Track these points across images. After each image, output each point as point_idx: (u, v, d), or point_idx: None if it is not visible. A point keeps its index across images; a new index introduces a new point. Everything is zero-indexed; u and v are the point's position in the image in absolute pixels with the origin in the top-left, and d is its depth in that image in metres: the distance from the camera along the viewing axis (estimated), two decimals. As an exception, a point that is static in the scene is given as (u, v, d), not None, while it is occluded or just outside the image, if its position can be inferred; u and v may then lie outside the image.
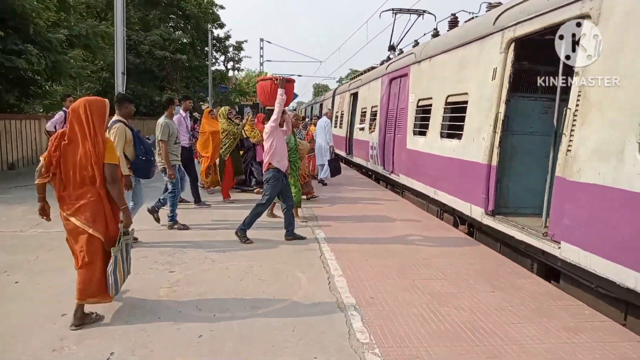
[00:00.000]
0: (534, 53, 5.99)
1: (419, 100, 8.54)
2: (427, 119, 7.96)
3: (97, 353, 2.96)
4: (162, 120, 6.21)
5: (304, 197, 8.27)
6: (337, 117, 18.10)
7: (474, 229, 6.56)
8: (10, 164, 12.18)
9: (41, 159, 3.37)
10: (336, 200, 8.86)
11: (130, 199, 5.11)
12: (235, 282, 4.26)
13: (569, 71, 5.16)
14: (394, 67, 10.66)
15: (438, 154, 7.41)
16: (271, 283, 4.24)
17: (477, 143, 6.03)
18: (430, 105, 7.89)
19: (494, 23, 5.88)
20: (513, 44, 5.48)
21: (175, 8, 23.47)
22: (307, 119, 17.98)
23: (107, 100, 3.49)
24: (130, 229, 3.61)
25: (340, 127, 17.00)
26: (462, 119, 6.56)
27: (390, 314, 3.62)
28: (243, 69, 38.08)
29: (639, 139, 3.44)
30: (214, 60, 27.70)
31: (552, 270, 4.81)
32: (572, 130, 4.26)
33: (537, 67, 6.12)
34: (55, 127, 8.01)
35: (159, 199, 6.35)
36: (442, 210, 7.65)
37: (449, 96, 7.20)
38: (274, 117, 5.65)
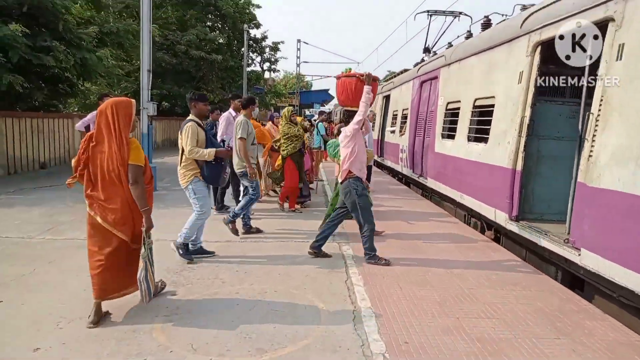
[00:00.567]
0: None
1: (448, 103, 8.51)
2: (455, 122, 7.92)
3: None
4: (241, 118, 6.02)
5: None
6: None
7: (500, 234, 6.50)
8: (42, 163, 12.35)
9: (72, 161, 3.45)
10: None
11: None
12: (243, 312, 3.67)
13: (595, 75, 5.09)
14: (425, 70, 10.63)
15: (465, 158, 7.37)
16: (284, 315, 3.63)
17: (503, 147, 5.98)
18: (459, 108, 7.85)
19: (520, 26, 5.82)
20: (539, 47, 5.42)
21: (212, 7, 23.96)
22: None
23: (133, 101, 3.52)
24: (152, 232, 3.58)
25: (373, 130, 17.02)
26: (489, 122, 6.51)
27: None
28: (279, 70, 38.48)
29: (659, 145, 3.37)
30: (250, 61, 28.21)
31: (576, 278, 4.74)
32: (594, 135, 4.20)
33: (565, 70, 6.02)
34: (87, 127, 7.77)
35: (233, 210, 6.07)
36: (469, 215, 7.60)
37: (476, 99, 7.15)
38: (358, 117, 5.00)
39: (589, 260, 4.12)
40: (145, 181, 3.50)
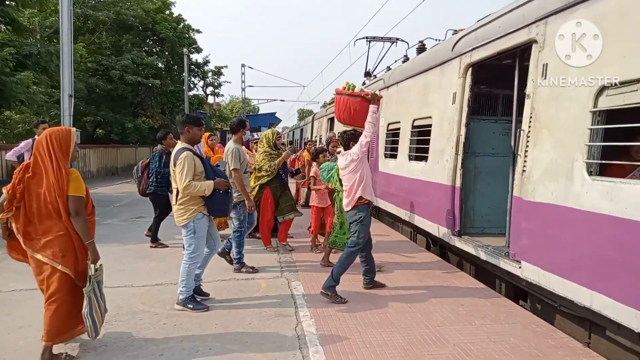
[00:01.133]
0: (493, 77, 6.19)
1: (389, 124, 8.70)
2: (397, 142, 8.10)
3: None
4: (231, 145, 5.41)
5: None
6: (315, 142, 18.30)
7: (445, 249, 6.62)
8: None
9: (4, 190, 3.25)
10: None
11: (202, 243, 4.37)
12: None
13: (523, 93, 5.36)
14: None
15: (407, 176, 7.52)
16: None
17: (442, 165, 6.13)
18: (399, 128, 8.04)
19: (452, 49, 6.06)
20: (470, 69, 5.65)
21: (149, 32, 23.47)
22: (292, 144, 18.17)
23: (73, 130, 3.37)
24: (98, 265, 3.39)
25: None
26: (427, 141, 6.69)
27: None
28: (223, 95, 38.16)
29: (585, 159, 3.54)
30: (192, 86, 27.75)
31: (519, 290, 4.86)
32: (526, 150, 4.37)
33: (496, 90, 6.32)
34: (19, 157, 7.32)
35: (229, 239, 5.71)
36: (416, 232, 7.72)
37: (415, 120, 7.34)
38: (365, 139, 4.60)
39: (529, 272, 4.23)
40: (88, 212, 3.37)
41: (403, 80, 7.96)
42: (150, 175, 6.99)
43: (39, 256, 3.19)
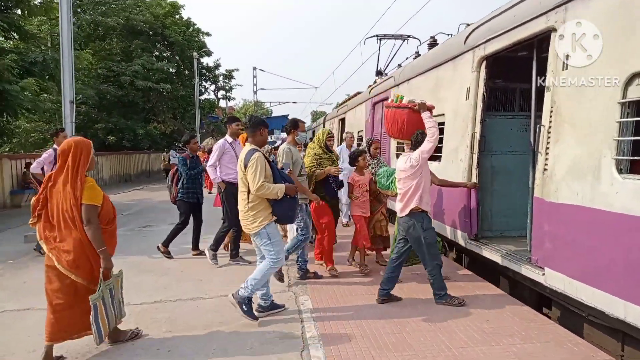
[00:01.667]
0: (508, 70, 5.85)
1: (400, 123, 8.38)
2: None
3: None
4: (285, 147, 5.11)
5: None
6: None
7: (462, 254, 6.28)
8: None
9: (33, 199, 3.47)
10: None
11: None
12: None
13: (542, 87, 5.01)
14: (376, 92, 10.57)
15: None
16: None
17: (456, 164, 5.81)
18: (411, 127, 7.71)
19: (464, 42, 5.74)
20: (484, 62, 5.32)
21: (159, 37, 23.48)
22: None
23: (91, 142, 3.57)
24: (117, 271, 3.61)
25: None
26: (440, 140, 6.35)
27: None
28: (234, 98, 38.20)
29: (614, 155, 3.21)
30: (203, 90, 27.74)
31: (543, 297, 4.52)
32: (547, 147, 4.04)
33: (513, 84, 5.97)
34: (43, 169, 7.03)
35: (287, 249, 5.17)
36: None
37: (427, 117, 7.01)
38: (429, 145, 4.34)
39: (554, 280, 3.90)
40: (104, 221, 3.45)
41: (414, 77, 7.65)
42: (178, 182, 6.75)
43: (55, 261, 3.28)
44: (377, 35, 13.80)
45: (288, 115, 39.86)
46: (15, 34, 12.65)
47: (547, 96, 4.09)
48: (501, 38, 4.84)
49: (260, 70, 44.22)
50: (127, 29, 21.72)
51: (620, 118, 3.18)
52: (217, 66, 28.25)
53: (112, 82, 21.09)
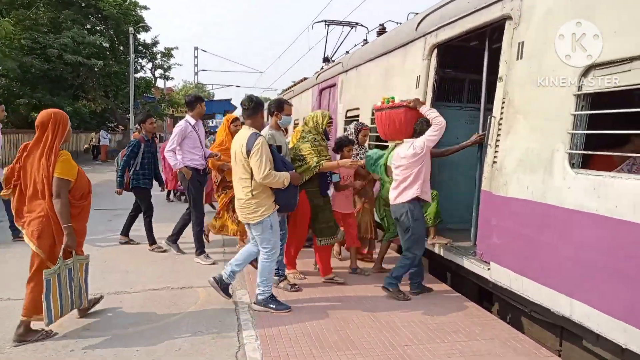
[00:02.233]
0: (458, 60, 5.76)
1: (347, 110, 8.16)
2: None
3: None
4: (267, 132, 4.38)
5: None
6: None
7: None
8: None
9: (4, 169, 3.50)
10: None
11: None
12: None
13: (493, 78, 4.93)
14: (324, 77, 10.30)
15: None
16: None
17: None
18: (358, 115, 7.51)
19: (416, 29, 5.56)
20: (436, 50, 5.17)
21: (92, 9, 21.64)
22: None
23: (67, 115, 3.55)
24: (85, 255, 3.66)
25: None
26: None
27: None
28: (173, 78, 36.43)
29: (568, 149, 3.12)
30: (139, 67, 26.09)
31: (484, 290, 4.48)
32: (497, 139, 3.94)
33: (462, 75, 5.90)
34: None
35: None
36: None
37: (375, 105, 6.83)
38: (435, 134, 4.16)
39: (499, 275, 3.82)
40: (76, 196, 3.43)
41: (363, 64, 7.41)
42: (131, 167, 6.04)
43: (24, 235, 3.35)
44: (325, 21, 13.51)
45: (231, 99, 38.69)
46: None
47: (499, 86, 3.98)
48: (454, 25, 4.69)
49: (202, 50, 42.75)
50: (56, -3, 19.90)
51: (575, 111, 3.09)
52: (155, 43, 26.58)
53: (38, 55, 19.24)
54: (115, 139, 28.44)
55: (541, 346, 3.48)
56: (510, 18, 3.84)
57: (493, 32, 4.52)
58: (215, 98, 46.69)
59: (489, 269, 3.97)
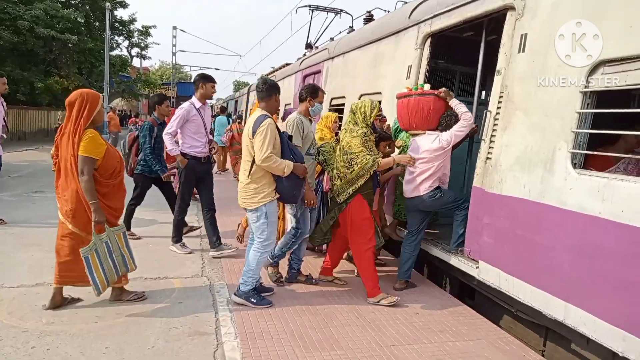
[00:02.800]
0: (451, 52, 5.61)
1: (332, 98, 7.93)
2: (340, 119, 7.35)
3: None
4: (295, 116, 4.09)
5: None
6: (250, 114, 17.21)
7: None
8: None
9: (52, 150, 3.70)
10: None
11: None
12: None
13: (488, 71, 4.79)
14: (308, 63, 10.03)
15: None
16: None
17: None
18: (344, 104, 7.31)
19: (409, 16, 5.36)
20: (429, 40, 4.99)
21: (66, -20, 20.74)
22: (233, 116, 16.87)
23: (100, 95, 3.59)
24: (119, 224, 3.69)
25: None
26: (375, 120, 6.00)
27: None
28: (150, 57, 35.33)
29: (571, 148, 2.99)
30: (115, 45, 25.12)
31: (466, 286, 4.38)
32: (492, 135, 3.79)
33: (454, 67, 5.76)
34: None
35: (290, 258, 4.48)
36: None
37: (362, 95, 6.62)
38: (463, 130, 4.03)
39: (488, 274, 3.70)
40: (104, 175, 3.47)
41: (351, 51, 7.18)
42: (138, 151, 5.57)
43: (59, 213, 3.48)
44: (309, 6, 13.20)
45: (209, 81, 37.85)
46: None
47: (497, 80, 3.83)
48: (451, 14, 4.51)
49: (181, 30, 41.57)
50: (27, -35, 18.85)
51: (581, 109, 2.95)
52: (132, 20, 25.66)
53: (7, 27, 18.23)
54: (89, 118, 27.45)
55: (529, 348, 3.39)
56: (512, 8, 3.67)
57: (490, 22, 4.37)
58: (192, 80, 45.66)
59: (477, 267, 3.86)
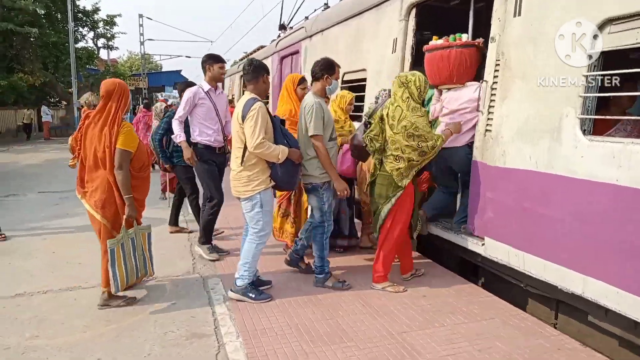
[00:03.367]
0: (438, 22, 5.38)
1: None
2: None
3: None
4: (312, 99, 3.66)
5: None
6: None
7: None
8: None
9: (70, 140, 3.75)
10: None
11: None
12: None
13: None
14: (284, 44, 9.68)
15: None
16: None
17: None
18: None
19: (392, -14, 5.11)
20: (414, 10, 4.77)
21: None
22: None
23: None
24: (146, 225, 3.68)
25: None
26: (362, 99, 5.78)
27: None
28: (118, 48, 34.09)
29: (579, 114, 2.84)
30: (79, 37, 24.07)
31: (468, 263, 4.27)
32: (490, 106, 3.63)
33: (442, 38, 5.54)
34: None
35: (296, 240, 4.20)
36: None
37: (345, 74, 6.38)
38: None
39: (496, 251, 3.58)
40: (136, 168, 3.43)
41: (330, 27, 6.90)
42: (169, 142, 5.04)
43: (85, 203, 3.41)
44: (281, -16, 12.77)
45: (180, 70, 36.80)
46: None
47: (492, 47, 3.65)
48: (437, -20, 4.29)
49: (148, 18, 40.14)
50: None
51: (588, 72, 2.79)
52: (96, 10, 24.56)
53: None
54: (58, 114, 26.50)
55: (545, 324, 3.29)
56: (504, -30, 3.47)
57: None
58: (164, 70, 44.40)
59: (483, 244, 3.73)
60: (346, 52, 6.34)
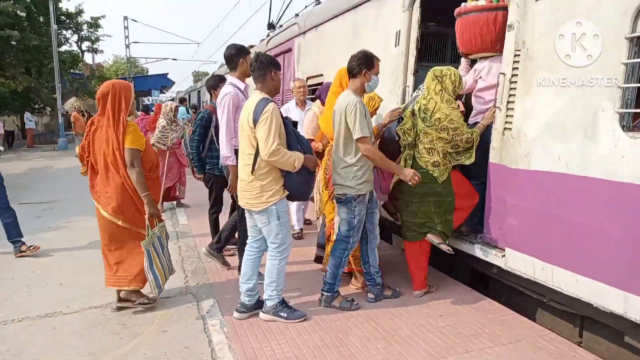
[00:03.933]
0: (443, 13, 5.04)
1: (308, 78, 7.29)
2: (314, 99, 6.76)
3: None
4: (352, 98, 3.25)
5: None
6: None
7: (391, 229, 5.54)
8: None
9: (77, 149, 3.59)
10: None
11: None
12: None
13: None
14: (276, 42, 9.31)
15: (334, 140, 6.24)
16: None
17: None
18: (322, 83, 6.68)
19: (393, -25, 4.76)
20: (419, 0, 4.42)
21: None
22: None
23: (130, 84, 3.46)
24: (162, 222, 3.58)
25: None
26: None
27: None
28: (103, 51, 33.39)
29: (618, 108, 2.50)
30: (63, 40, 23.44)
31: (478, 273, 3.94)
32: (509, 101, 3.29)
33: (445, 29, 5.21)
34: None
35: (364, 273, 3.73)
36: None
37: (342, 70, 6.02)
38: None
39: (519, 263, 3.22)
40: (146, 168, 3.38)
41: (325, 22, 6.54)
42: (205, 147, 4.66)
43: (101, 210, 3.32)
44: (268, -20, 12.42)
45: (167, 74, 36.17)
46: None
47: (509, 37, 3.30)
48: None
49: (133, 20, 39.32)
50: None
51: (628, 59, 2.45)
52: (79, 12, 23.94)
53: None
54: (42, 121, 25.85)
55: (577, 347, 2.96)
56: (523, -50, 3.13)
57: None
58: (150, 73, 43.72)
59: (503, 255, 3.38)
60: (343, 47, 5.97)
